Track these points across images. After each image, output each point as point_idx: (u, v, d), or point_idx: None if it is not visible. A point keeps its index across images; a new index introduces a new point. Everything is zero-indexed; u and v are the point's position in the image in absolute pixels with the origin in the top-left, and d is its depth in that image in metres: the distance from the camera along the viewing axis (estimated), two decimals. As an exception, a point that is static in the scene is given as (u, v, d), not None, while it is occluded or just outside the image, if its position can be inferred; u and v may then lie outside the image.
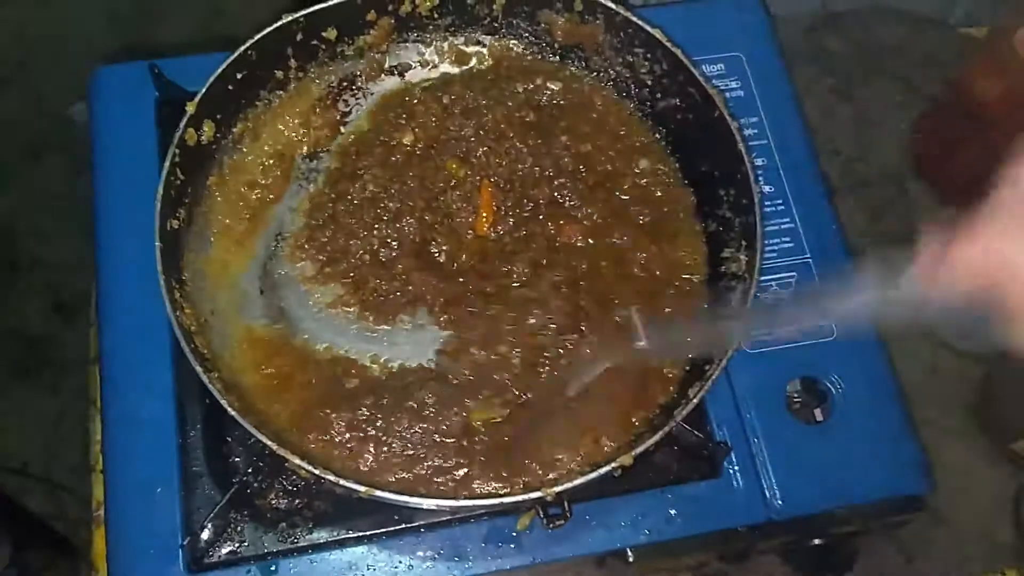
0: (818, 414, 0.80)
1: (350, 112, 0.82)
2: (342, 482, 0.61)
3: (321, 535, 0.71)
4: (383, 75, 0.83)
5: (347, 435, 0.69)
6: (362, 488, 0.61)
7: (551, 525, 0.67)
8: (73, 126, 1.68)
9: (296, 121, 0.79)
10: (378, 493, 0.61)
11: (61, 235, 1.62)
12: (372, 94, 0.83)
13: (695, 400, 0.66)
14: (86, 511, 0.81)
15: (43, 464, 1.55)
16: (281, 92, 0.79)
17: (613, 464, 0.63)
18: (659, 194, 0.80)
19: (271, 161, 0.78)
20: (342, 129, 0.81)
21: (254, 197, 0.77)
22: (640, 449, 0.64)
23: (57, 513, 1.50)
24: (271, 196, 0.78)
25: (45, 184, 1.74)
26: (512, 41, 0.84)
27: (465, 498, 0.64)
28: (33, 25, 1.80)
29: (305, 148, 0.80)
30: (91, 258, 0.79)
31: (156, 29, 1.82)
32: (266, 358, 0.72)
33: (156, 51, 1.73)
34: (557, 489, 0.62)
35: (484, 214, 0.77)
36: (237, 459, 0.73)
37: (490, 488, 0.68)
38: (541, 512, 0.67)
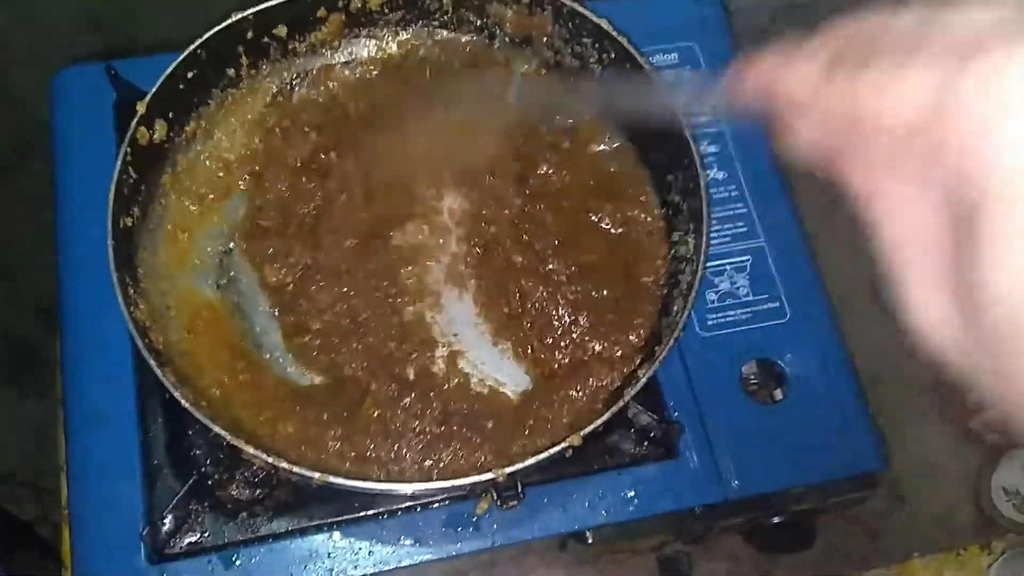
0: (776, 395, 0.81)
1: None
2: (296, 469, 0.62)
3: (282, 524, 0.72)
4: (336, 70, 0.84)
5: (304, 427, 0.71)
6: (316, 475, 0.62)
7: (504, 507, 0.68)
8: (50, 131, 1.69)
9: (249, 117, 0.80)
10: (332, 479, 0.62)
11: (44, 239, 1.63)
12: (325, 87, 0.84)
13: (643, 379, 0.67)
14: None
15: (28, 468, 1.56)
16: (233, 90, 0.80)
17: (563, 444, 0.64)
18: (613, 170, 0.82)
19: (224, 158, 0.79)
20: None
21: (209, 194, 0.78)
22: (588, 429, 0.65)
23: (42, 517, 1.51)
24: (225, 193, 0.79)
25: (27, 188, 1.73)
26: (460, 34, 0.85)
27: (418, 481, 0.65)
28: (11, 29, 1.81)
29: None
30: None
31: (138, 31, 1.82)
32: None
33: (135, 50, 1.74)
34: (509, 470, 0.63)
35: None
36: (198, 452, 0.74)
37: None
38: (495, 494, 0.68)
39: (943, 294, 0.27)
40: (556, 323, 0.75)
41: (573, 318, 0.75)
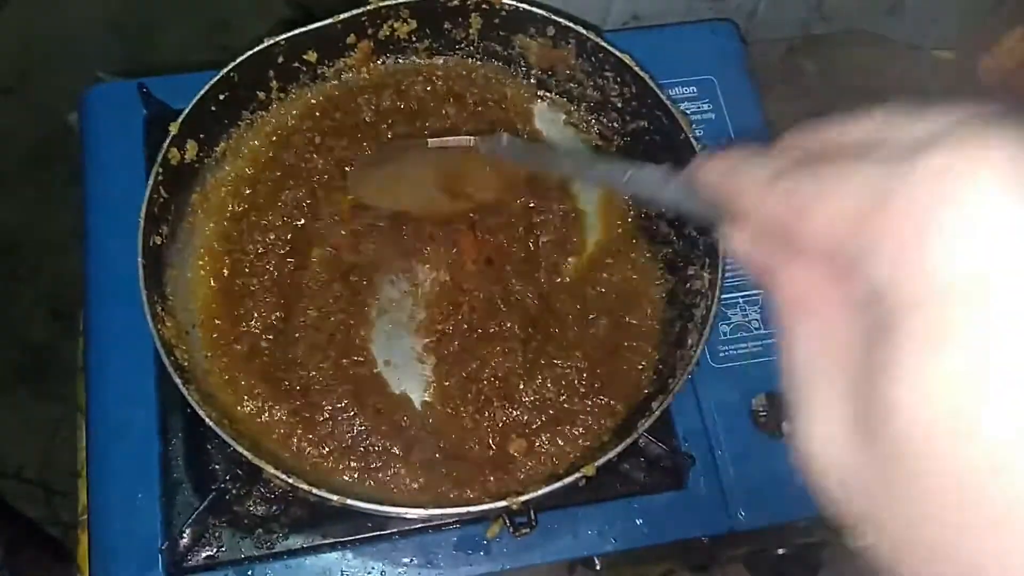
0: (785, 428, 0.82)
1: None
2: (315, 491, 0.63)
3: (297, 541, 0.73)
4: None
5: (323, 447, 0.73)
6: (335, 497, 0.64)
7: (517, 533, 0.69)
8: (72, 134, 1.71)
9: (275, 139, 0.82)
10: (350, 502, 0.64)
11: (61, 243, 1.64)
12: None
13: (657, 412, 0.68)
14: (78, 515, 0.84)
15: (39, 469, 1.57)
16: (263, 112, 0.81)
17: (576, 475, 0.66)
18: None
19: (253, 178, 0.81)
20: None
21: (236, 213, 0.79)
22: (602, 460, 0.66)
23: (51, 517, 1.53)
24: (253, 211, 0.80)
25: (46, 192, 1.76)
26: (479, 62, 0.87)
27: (434, 507, 0.66)
28: (35, 34, 1.83)
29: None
30: (87, 266, 0.82)
31: (158, 38, 1.84)
32: (245, 372, 0.75)
33: (157, 60, 1.77)
34: (523, 499, 0.65)
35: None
36: (217, 467, 0.75)
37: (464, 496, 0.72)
38: (508, 521, 0.70)
39: (845, 417, 0.25)
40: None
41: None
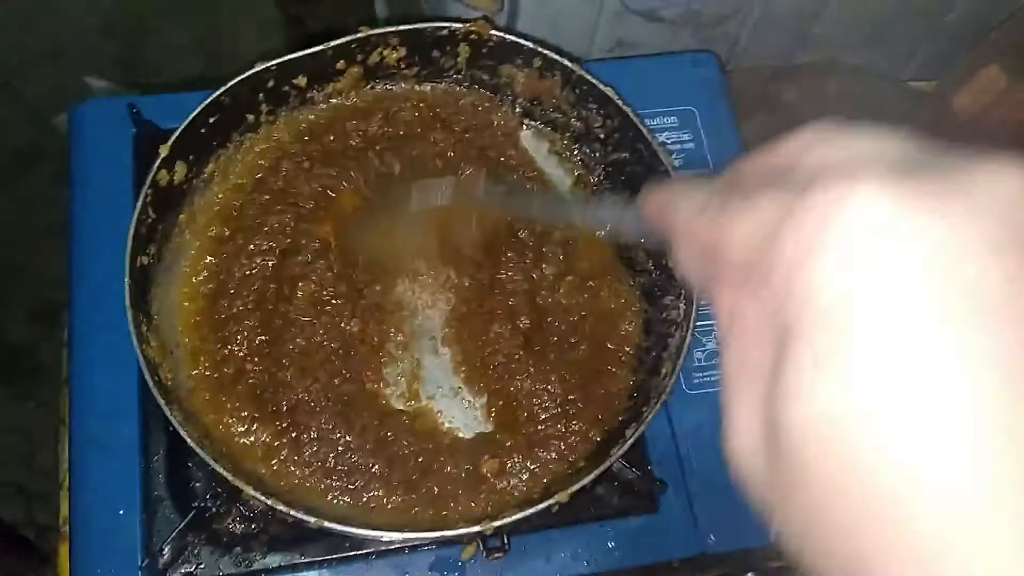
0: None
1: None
2: (292, 512, 0.65)
3: (275, 560, 0.74)
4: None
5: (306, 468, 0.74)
6: (312, 519, 0.65)
7: (490, 557, 0.71)
8: (58, 136, 1.71)
9: (262, 162, 0.83)
10: (327, 524, 0.65)
11: (45, 243, 1.64)
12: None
13: (631, 440, 0.70)
14: (56, 518, 0.84)
15: (15, 470, 1.57)
16: (252, 134, 0.83)
17: (550, 501, 0.67)
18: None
19: (239, 199, 0.82)
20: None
21: (222, 236, 0.81)
22: (576, 487, 0.68)
23: (27, 519, 1.53)
24: (239, 232, 0.81)
25: (31, 192, 1.76)
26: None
27: (409, 531, 0.68)
28: (23, 35, 1.83)
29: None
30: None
31: (148, 41, 1.84)
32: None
33: (146, 63, 1.76)
34: (496, 524, 0.66)
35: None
36: (198, 484, 0.76)
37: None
38: (481, 545, 0.71)
39: (757, 422, 0.27)
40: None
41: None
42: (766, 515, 0.28)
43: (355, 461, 0.75)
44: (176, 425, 0.66)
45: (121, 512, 0.74)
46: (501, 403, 0.79)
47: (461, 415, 0.79)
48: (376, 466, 0.75)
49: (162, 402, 0.66)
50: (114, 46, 1.83)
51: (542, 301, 0.81)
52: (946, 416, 0.22)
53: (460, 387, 0.80)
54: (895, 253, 0.23)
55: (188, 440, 0.65)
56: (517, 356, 0.79)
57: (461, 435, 0.78)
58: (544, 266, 0.83)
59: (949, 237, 0.23)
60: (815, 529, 0.25)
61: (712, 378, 0.85)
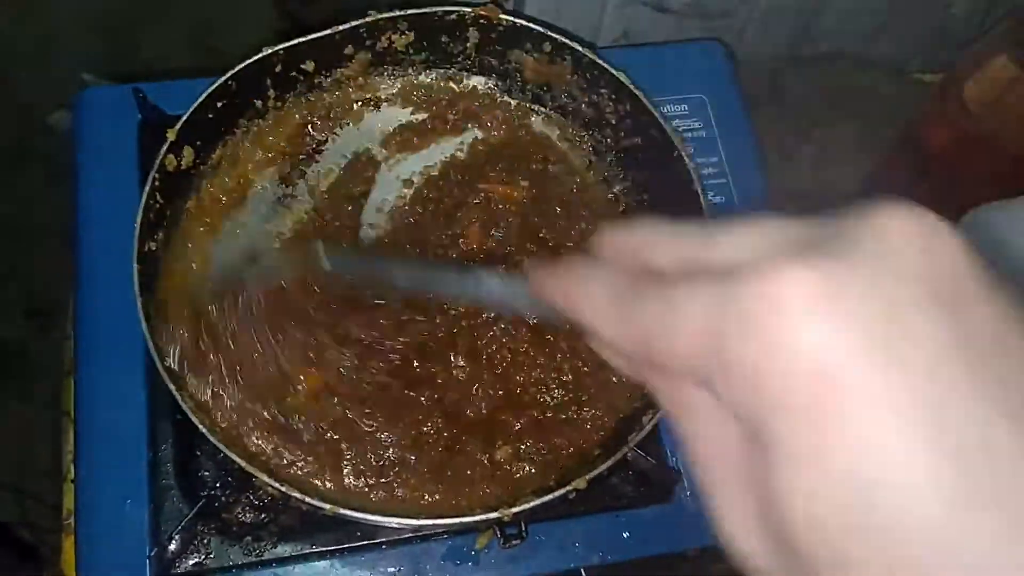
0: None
1: (326, 141, 0.85)
2: (307, 499, 0.64)
3: (285, 549, 0.73)
4: (358, 105, 0.86)
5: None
6: (327, 506, 0.64)
7: (507, 545, 0.70)
8: (53, 134, 1.70)
9: (273, 149, 0.82)
10: (342, 511, 0.64)
11: (38, 243, 1.63)
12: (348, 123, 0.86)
13: (648, 427, 0.69)
14: (54, 519, 0.83)
15: (11, 471, 1.55)
16: (259, 120, 0.81)
17: (568, 487, 0.66)
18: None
19: (247, 186, 0.81)
20: (317, 158, 0.84)
21: (229, 220, 0.79)
22: (594, 474, 0.67)
23: (23, 520, 1.51)
24: (246, 219, 0.80)
25: (24, 191, 1.75)
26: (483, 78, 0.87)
27: (426, 518, 0.67)
28: (16, 33, 1.82)
29: (279, 174, 0.83)
30: (67, 266, 0.82)
31: (141, 39, 1.83)
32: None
33: (140, 61, 1.75)
34: (515, 510, 0.65)
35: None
36: (206, 473, 0.75)
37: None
38: (498, 532, 0.70)
39: (754, 516, 0.27)
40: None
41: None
42: None
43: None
44: (187, 411, 0.65)
45: (128, 503, 0.73)
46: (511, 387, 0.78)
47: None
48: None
49: (172, 387, 0.65)
50: (106, 44, 1.82)
51: None
52: (940, 481, 0.22)
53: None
54: (848, 333, 0.24)
55: (200, 426, 0.64)
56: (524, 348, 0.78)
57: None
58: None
59: (891, 296, 0.24)
60: None
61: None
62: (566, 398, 0.77)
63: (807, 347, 0.24)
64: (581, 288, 0.32)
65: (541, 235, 0.82)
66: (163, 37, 1.83)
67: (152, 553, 0.70)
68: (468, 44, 0.84)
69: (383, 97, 0.86)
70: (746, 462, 0.27)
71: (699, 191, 0.76)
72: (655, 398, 0.32)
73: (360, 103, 0.85)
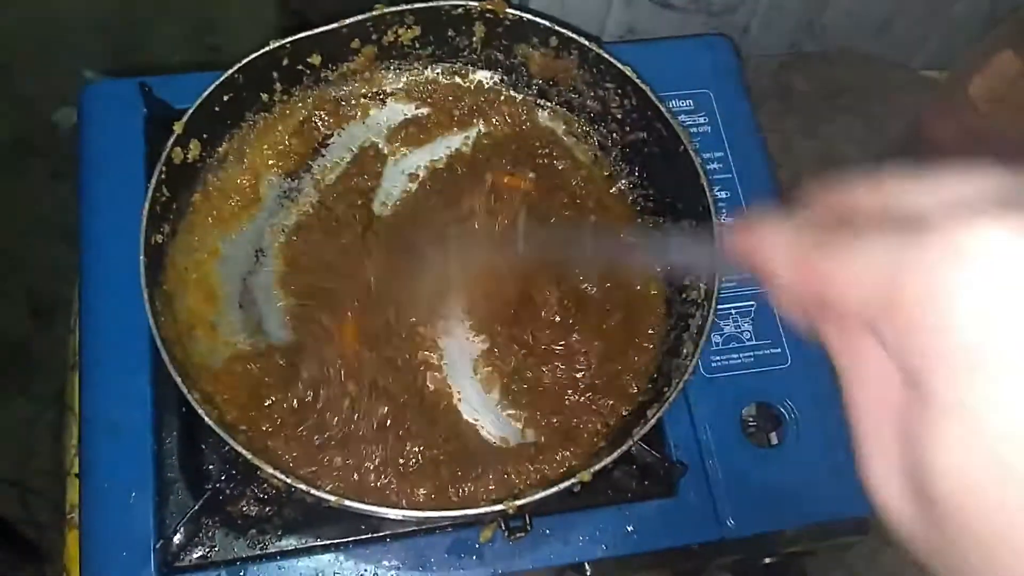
0: (773, 438, 0.84)
1: (332, 135, 0.85)
2: (313, 491, 0.64)
3: (290, 542, 0.73)
4: (364, 100, 0.86)
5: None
6: (332, 498, 0.64)
7: (512, 537, 0.70)
8: (55, 131, 1.70)
9: (279, 143, 0.82)
10: (347, 503, 0.64)
11: (41, 239, 1.63)
12: (353, 117, 0.86)
13: (652, 420, 0.69)
14: (56, 515, 0.83)
15: (14, 468, 1.55)
16: (266, 114, 0.82)
17: (572, 480, 0.66)
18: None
19: (253, 179, 0.81)
20: (323, 152, 0.84)
21: (236, 214, 0.79)
22: (598, 467, 0.67)
23: (26, 517, 1.51)
24: (252, 212, 0.80)
25: (26, 188, 1.75)
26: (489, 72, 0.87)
27: (432, 509, 0.67)
28: (20, 30, 1.82)
29: (284, 168, 0.83)
30: (70, 262, 0.82)
31: (144, 36, 1.84)
32: (242, 370, 0.75)
33: (143, 59, 1.76)
34: (519, 502, 0.65)
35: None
36: (211, 466, 0.75)
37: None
38: (503, 524, 0.70)
39: (898, 467, 0.27)
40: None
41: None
42: (924, 562, 0.28)
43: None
44: (194, 404, 0.65)
45: (133, 495, 0.73)
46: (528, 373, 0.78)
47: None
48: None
49: (179, 380, 0.65)
50: (109, 42, 1.82)
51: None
52: None
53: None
54: None
55: (207, 419, 0.64)
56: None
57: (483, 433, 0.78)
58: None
59: None
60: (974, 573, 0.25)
61: (731, 362, 0.84)
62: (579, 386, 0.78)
63: (980, 305, 0.24)
64: (770, 240, 0.33)
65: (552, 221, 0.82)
66: (165, 34, 1.84)
67: (157, 546, 0.70)
68: (474, 38, 0.84)
69: (389, 91, 0.87)
70: (902, 412, 0.27)
71: (704, 186, 0.75)
72: (825, 345, 0.32)
73: (366, 97, 0.86)
